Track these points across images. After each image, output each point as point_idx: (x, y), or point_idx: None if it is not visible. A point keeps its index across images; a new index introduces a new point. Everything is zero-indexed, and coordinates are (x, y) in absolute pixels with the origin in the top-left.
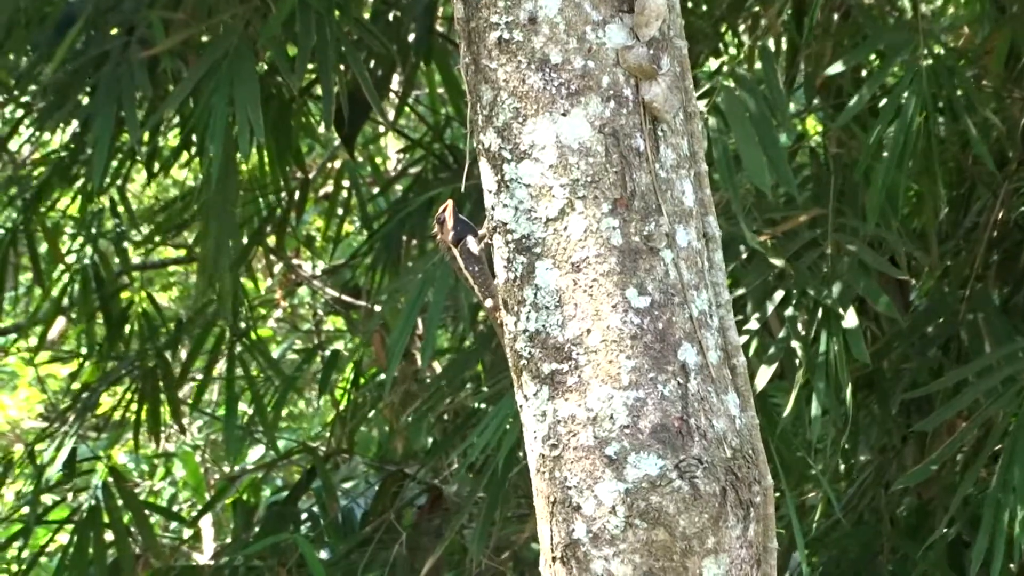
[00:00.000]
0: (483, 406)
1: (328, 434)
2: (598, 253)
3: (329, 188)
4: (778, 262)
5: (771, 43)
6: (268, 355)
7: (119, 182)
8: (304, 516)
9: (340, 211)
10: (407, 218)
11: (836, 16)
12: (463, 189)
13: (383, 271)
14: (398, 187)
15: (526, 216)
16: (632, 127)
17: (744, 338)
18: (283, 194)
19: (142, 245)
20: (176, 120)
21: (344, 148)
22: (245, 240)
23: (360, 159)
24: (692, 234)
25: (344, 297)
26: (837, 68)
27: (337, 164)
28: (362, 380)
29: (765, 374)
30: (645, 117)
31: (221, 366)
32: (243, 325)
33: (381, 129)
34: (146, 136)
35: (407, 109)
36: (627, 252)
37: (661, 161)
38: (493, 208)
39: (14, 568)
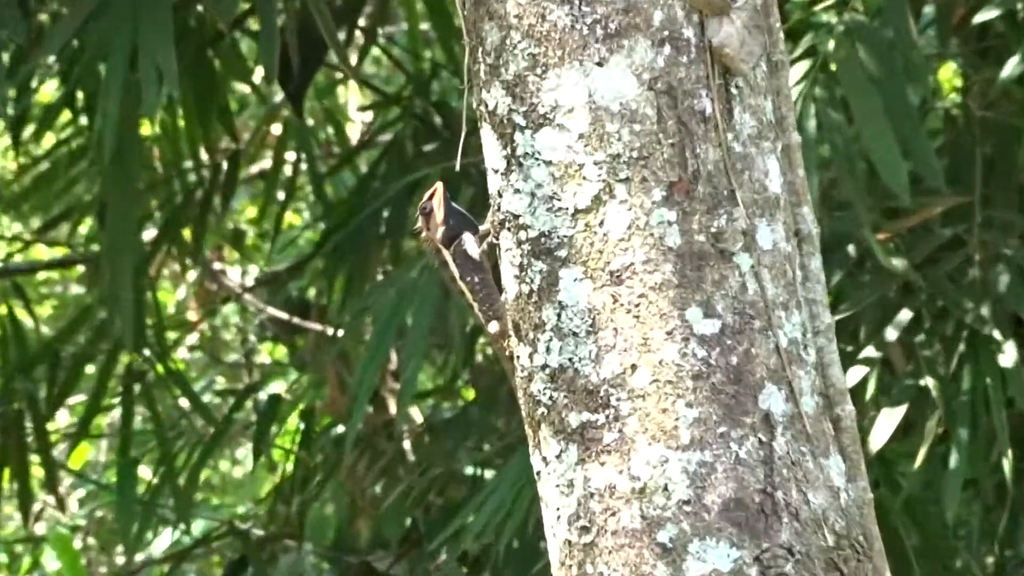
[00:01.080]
0: (481, 472)
1: (265, 511)
2: (647, 259)
3: (267, 162)
4: (902, 268)
5: None
6: (190, 391)
7: None
8: None
9: (282, 195)
10: (377, 207)
11: None
12: (457, 167)
13: (343, 282)
14: (364, 161)
15: (546, 206)
16: (695, 82)
17: (854, 377)
18: (203, 170)
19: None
20: (56, 68)
21: (289, 106)
22: (150, 234)
23: (311, 121)
24: (779, 232)
25: (286, 317)
26: (990, 14)
27: (279, 129)
28: (312, 435)
29: (885, 427)
30: (713, 68)
31: (114, 415)
32: (147, 353)
33: (341, 78)
34: (13, 92)
35: (378, 52)
36: (688, 257)
37: (736, 130)
38: (500, 194)
39: None
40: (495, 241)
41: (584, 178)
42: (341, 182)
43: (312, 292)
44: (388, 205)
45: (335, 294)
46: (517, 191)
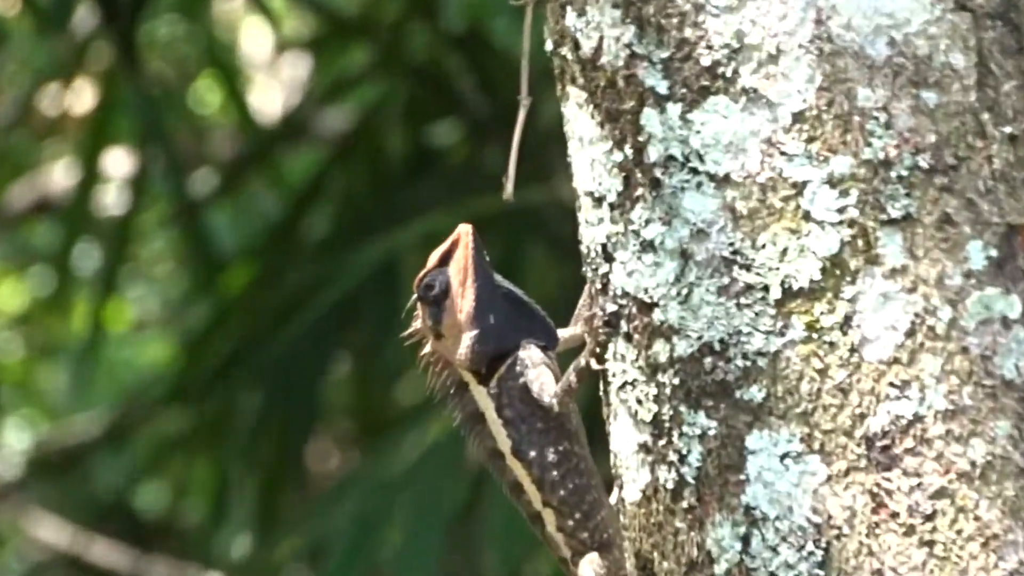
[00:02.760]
0: None
1: None
2: (953, 413)
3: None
4: None
5: None
6: None
7: None
8: None
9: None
10: (320, 307)
11: None
12: (510, 192)
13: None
14: (293, 173)
15: (719, 283)
16: None
17: None
18: None
19: None
20: None
21: (114, 43)
22: None
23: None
24: None
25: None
26: None
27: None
28: None
29: None
30: None
31: None
32: None
33: None
34: None
35: None
36: None
37: None
38: (610, 253)
39: None
40: (596, 364)
41: (805, 217)
42: (237, 221)
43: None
44: (344, 296)
45: (208, 502)
46: (649, 247)
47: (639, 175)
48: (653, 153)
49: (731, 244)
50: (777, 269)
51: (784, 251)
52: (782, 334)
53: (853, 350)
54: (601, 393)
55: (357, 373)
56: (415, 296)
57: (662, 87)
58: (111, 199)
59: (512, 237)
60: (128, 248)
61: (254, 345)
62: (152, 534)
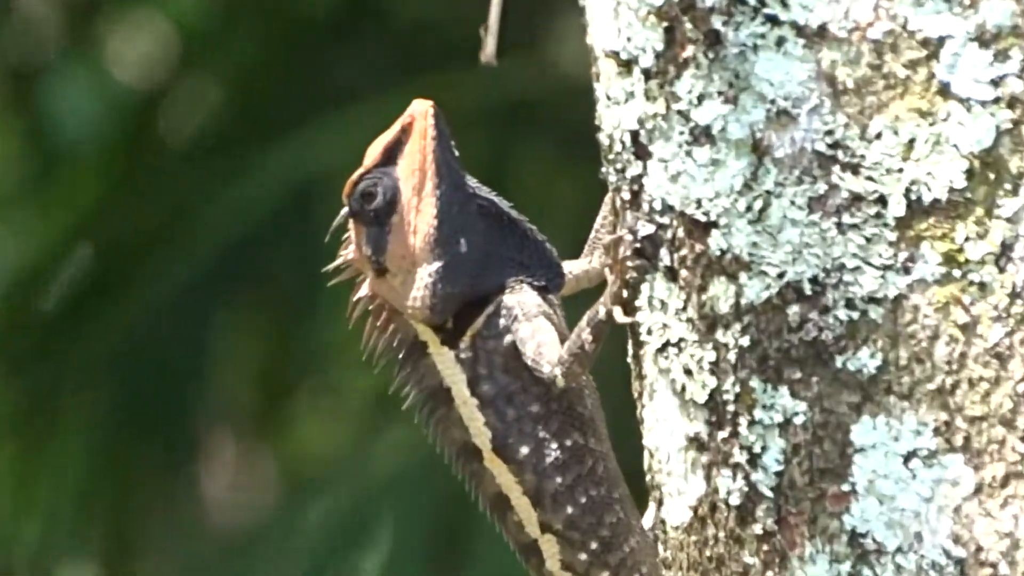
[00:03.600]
0: None
1: None
2: None
3: None
4: None
5: None
6: None
7: None
8: None
9: None
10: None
11: None
12: (491, 52)
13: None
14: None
15: (799, 188)
16: None
17: None
18: None
19: None
20: None
21: None
22: None
23: None
24: None
25: None
26: None
27: None
28: None
29: None
30: None
31: None
32: None
33: None
34: None
35: None
36: None
37: None
38: (645, 147)
39: None
40: (621, 315)
41: (942, 92)
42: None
43: None
44: (240, 220)
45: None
46: (703, 137)
47: (689, 26)
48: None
49: (829, 133)
50: (899, 172)
51: (910, 144)
52: (906, 270)
53: (1015, 295)
54: (630, 359)
55: (260, 330)
56: (345, 210)
57: None
58: None
59: (495, 128)
60: None
61: (105, 294)
62: None
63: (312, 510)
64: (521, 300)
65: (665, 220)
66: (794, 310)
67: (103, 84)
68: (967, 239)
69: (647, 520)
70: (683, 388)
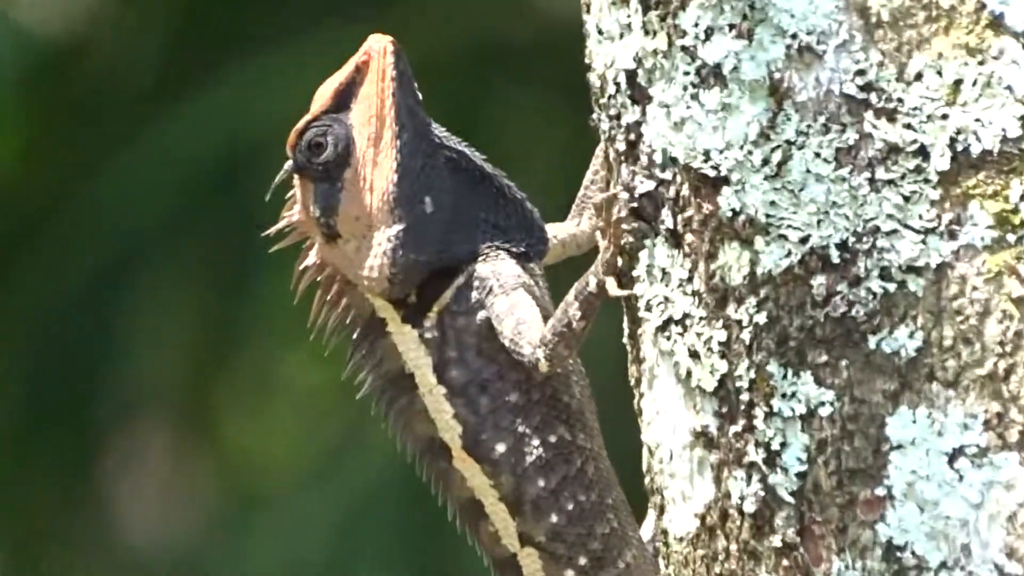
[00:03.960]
0: None
1: None
2: None
3: None
4: None
5: None
6: None
7: None
8: None
9: None
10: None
11: None
12: None
13: None
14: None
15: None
16: None
17: None
18: None
19: None
20: None
21: None
22: None
23: None
24: None
25: None
26: None
27: None
28: None
29: None
30: None
31: None
32: None
33: None
34: None
35: None
36: None
37: None
38: (643, 88)
39: None
40: (615, 288)
41: (993, 25)
42: None
43: None
44: (168, 177)
45: None
46: (712, 77)
47: None
48: None
49: (861, 73)
50: (943, 119)
51: (956, 86)
52: (951, 235)
53: None
54: (626, 340)
55: (190, 308)
56: (289, 163)
57: None
58: None
59: (467, 70)
60: None
61: (11, 271)
62: None
63: (257, 530)
64: (497, 270)
65: (667, 175)
66: (819, 281)
67: (14, 32)
68: (1023, 197)
69: (646, 531)
70: (688, 374)
